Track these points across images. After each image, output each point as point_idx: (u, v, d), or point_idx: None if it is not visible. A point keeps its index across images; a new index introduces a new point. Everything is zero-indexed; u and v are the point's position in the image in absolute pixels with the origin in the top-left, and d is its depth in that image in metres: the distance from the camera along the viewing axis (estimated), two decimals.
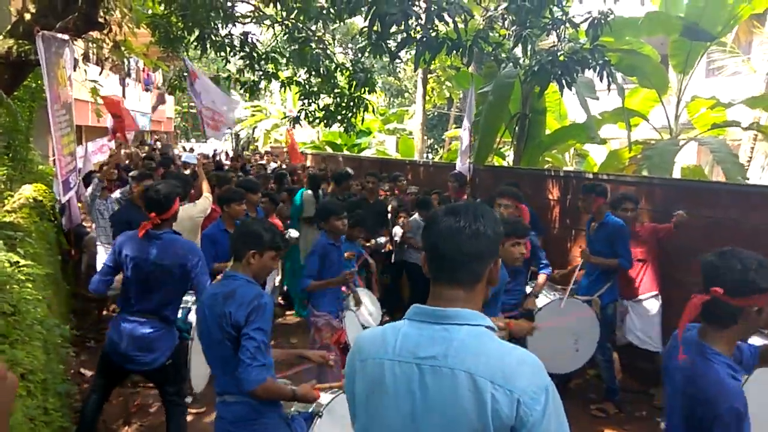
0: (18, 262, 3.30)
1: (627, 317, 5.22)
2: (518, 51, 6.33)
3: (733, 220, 4.92)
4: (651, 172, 7.61)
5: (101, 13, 5.78)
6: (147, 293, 3.45)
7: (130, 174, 5.75)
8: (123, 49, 9.10)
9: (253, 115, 26.40)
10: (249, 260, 2.63)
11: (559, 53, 5.86)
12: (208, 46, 7.15)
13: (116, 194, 6.23)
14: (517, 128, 9.12)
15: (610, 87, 5.88)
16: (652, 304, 5.14)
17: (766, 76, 11.47)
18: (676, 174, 9.16)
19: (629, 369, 5.60)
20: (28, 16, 4.90)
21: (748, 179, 9.45)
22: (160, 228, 3.50)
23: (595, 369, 5.31)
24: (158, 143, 15.82)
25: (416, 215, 6.61)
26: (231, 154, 17.88)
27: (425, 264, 1.46)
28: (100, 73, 10.69)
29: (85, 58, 11.68)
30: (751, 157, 11.27)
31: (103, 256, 5.91)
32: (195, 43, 7.24)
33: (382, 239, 6.58)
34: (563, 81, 5.72)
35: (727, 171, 8.07)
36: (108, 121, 9.74)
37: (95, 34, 7.65)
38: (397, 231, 6.67)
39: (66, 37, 4.90)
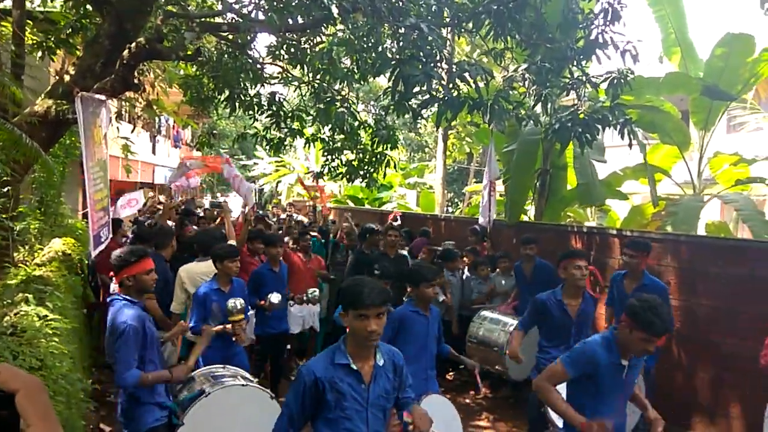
0: (46, 316, 3.36)
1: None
2: (538, 109, 6.43)
3: (762, 278, 4.82)
4: (675, 229, 7.53)
5: (136, 75, 6.06)
6: None
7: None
8: (155, 107, 9.49)
9: (277, 170, 26.90)
10: None
11: (579, 111, 5.93)
12: (237, 105, 7.40)
13: None
14: (538, 184, 9.15)
15: (632, 144, 5.90)
16: None
17: None
18: (701, 230, 9.04)
19: None
20: (67, 78, 5.16)
21: None
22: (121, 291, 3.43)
23: None
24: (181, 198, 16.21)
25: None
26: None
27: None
28: (132, 131, 11.07)
29: (119, 116, 12.15)
30: None
31: None
32: (225, 103, 7.50)
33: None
34: (584, 138, 5.77)
35: (753, 228, 7.95)
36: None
37: (129, 93, 8.00)
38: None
39: (103, 97, 5.12)
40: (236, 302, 4.35)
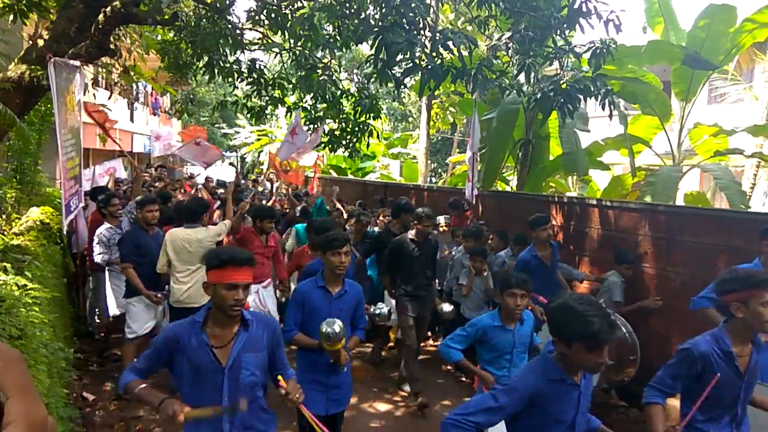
0: (26, 285, 3.33)
1: None
2: (522, 78, 6.40)
3: (736, 247, 4.92)
4: (654, 199, 7.63)
5: (112, 40, 5.90)
6: None
7: (136, 199, 5.73)
8: (132, 74, 9.28)
9: (259, 139, 26.60)
10: None
11: (561, 81, 5.93)
12: (216, 72, 7.26)
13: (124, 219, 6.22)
14: (520, 154, 9.19)
15: (612, 114, 5.93)
16: None
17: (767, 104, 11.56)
18: (679, 200, 9.18)
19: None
20: (41, 42, 5.02)
21: (750, 206, 9.47)
22: None
23: None
24: (163, 168, 15.93)
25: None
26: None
27: None
28: (109, 98, 10.83)
29: (95, 82, 11.87)
30: (754, 184, 11.29)
31: (111, 278, 5.88)
32: (203, 69, 7.35)
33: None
34: (566, 109, 5.78)
35: (730, 198, 8.10)
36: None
37: (105, 59, 7.80)
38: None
39: (77, 63, 5.00)
40: (334, 326, 3.22)
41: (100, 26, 4.90)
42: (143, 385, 2.43)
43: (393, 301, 5.78)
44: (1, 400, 0.73)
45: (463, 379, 6.05)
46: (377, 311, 4.92)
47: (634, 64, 8.88)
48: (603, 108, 5.74)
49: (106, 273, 5.81)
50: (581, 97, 5.78)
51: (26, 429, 0.70)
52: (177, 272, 5.09)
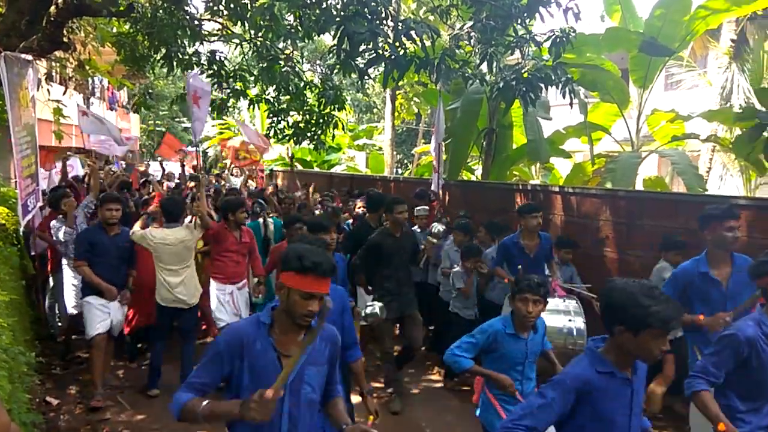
0: None
1: None
2: (484, 68, 6.45)
3: (694, 229, 5.07)
4: (614, 184, 7.81)
5: (65, 33, 5.72)
6: None
7: (99, 196, 5.58)
8: (87, 68, 9.01)
9: (221, 133, 26.17)
10: None
11: (523, 70, 6.00)
12: (174, 64, 7.09)
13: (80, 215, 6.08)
14: (485, 143, 9.28)
15: (572, 102, 6.03)
16: None
17: (721, 90, 11.91)
18: (639, 185, 9.41)
19: None
20: None
21: (707, 190, 9.77)
22: None
23: None
24: (122, 163, 15.52)
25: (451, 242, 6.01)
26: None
27: None
28: (64, 93, 10.49)
29: (48, 77, 11.49)
30: (709, 168, 11.66)
31: (69, 277, 5.76)
32: (161, 62, 7.18)
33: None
34: (528, 98, 5.85)
35: (687, 182, 8.35)
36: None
37: (59, 53, 7.55)
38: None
39: (29, 57, 4.83)
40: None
41: (52, 18, 4.75)
42: (207, 402, 2.03)
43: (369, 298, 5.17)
44: None
45: (465, 387, 5.36)
46: (369, 311, 4.24)
47: (592, 52, 9.04)
48: (564, 96, 5.84)
49: (64, 269, 5.68)
50: (542, 85, 5.86)
51: None
52: (161, 272, 5.06)
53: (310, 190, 8.48)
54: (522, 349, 3.16)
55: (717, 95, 11.94)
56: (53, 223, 5.85)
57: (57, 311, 6.18)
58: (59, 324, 6.22)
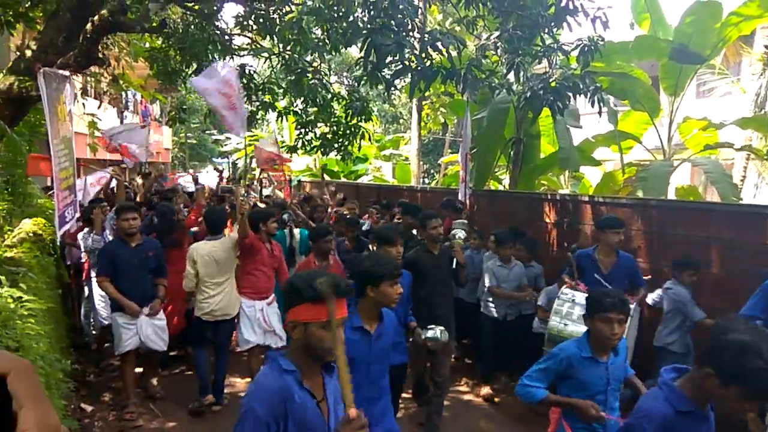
0: (21, 297, 3.31)
1: None
2: (511, 77, 6.44)
3: (727, 239, 4.96)
4: (646, 194, 7.68)
5: (100, 49, 5.88)
6: None
7: (115, 208, 5.66)
8: (121, 82, 9.26)
9: (250, 145, 26.52)
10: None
11: (550, 80, 5.96)
12: None
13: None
14: (512, 153, 9.22)
15: (602, 111, 5.96)
16: None
17: (755, 97, 11.65)
18: (671, 195, 9.24)
19: None
20: (28, 53, 4.99)
21: (741, 199, 9.54)
22: None
23: None
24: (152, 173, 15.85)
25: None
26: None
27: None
28: (99, 107, 10.80)
29: (84, 92, 11.83)
30: (744, 177, 11.38)
31: (98, 287, 5.91)
32: (192, 76, 7.35)
33: None
34: (555, 107, 5.81)
35: (721, 191, 8.16)
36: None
37: (94, 68, 7.78)
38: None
39: (66, 73, 4.98)
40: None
41: (88, 35, 4.88)
42: None
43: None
44: (14, 408, 0.74)
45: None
46: (430, 334, 3.84)
47: (622, 60, 8.94)
48: (592, 105, 5.78)
49: (93, 281, 5.83)
50: (570, 94, 5.82)
51: None
52: (205, 286, 5.00)
53: (333, 189, 8.53)
54: (602, 374, 2.83)
55: (751, 102, 11.67)
56: (81, 234, 6.02)
57: (91, 320, 6.33)
58: (93, 332, 6.36)
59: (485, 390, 5.69)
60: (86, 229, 6.11)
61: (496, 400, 5.58)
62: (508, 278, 5.72)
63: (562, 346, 2.92)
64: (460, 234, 4.76)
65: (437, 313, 4.40)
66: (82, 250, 6.20)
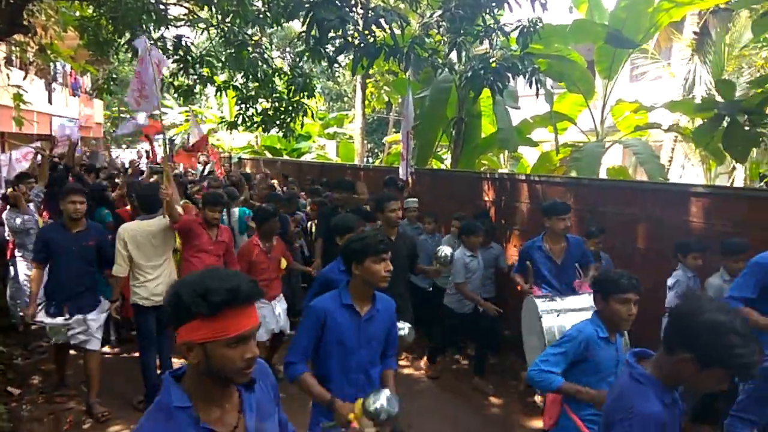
0: None
1: None
2: (453, 57, 6.50)
3: (654, 217, 5.23)
4: (579, 173, 7.97)
5: (26, 16, 5.55)
6: None
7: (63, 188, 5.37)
8: (49, 52, 8.76)
9: (188, 120, 25.73)
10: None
11: (491, 60, 6.06)
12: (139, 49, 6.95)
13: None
14: (454, 132, 9.34)
15: (539, 92, 6.12)
16: None
17: (684, 81, 12.20)
18: (603, 174, 9.61)
19: None
20: None
21: (668, 178, 10.04)
22: None
23: None
24: (85, 150, 15.11)
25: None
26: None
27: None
28: (24, 78, 10.17)
29: (8, 62, 11.11)
30: (671, 158, 11.98)
31: (23, 267, 5.70)
32: (126, 47, 7.04)
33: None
34: (495, 86, 5.92)
35: (649, 171, 8.56)
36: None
37: (19, 37, 7.32)
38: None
39: None
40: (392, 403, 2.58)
41: (11, 1, 4.60)
42: None
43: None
44: None
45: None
46: (399, 332, 3.30)
47: (560, 43, 9.16)
48: (530, 86, 5.92)
49: (17, 261, 5.59)
50: (510, 75, 5.94)
51: None
52: (142, 270, 4.54)
53: (268, 172, 8.50)
54: (613, 355, 2.80)
55: (680, 86, 12.22)
56: (5, 214, 5.74)
57: (18, 301, 6.06)
58: (20, 313, 6.09)
59: (432, 369, 5.59)
60: (8, 207, 5.81)
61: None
62: (478, 267, 5.33)
63: (579, 327, 2.84)
64: (446, 252, 4.26)
65: (395, 303, 4.04)
66: (6, 229, 5.91)
